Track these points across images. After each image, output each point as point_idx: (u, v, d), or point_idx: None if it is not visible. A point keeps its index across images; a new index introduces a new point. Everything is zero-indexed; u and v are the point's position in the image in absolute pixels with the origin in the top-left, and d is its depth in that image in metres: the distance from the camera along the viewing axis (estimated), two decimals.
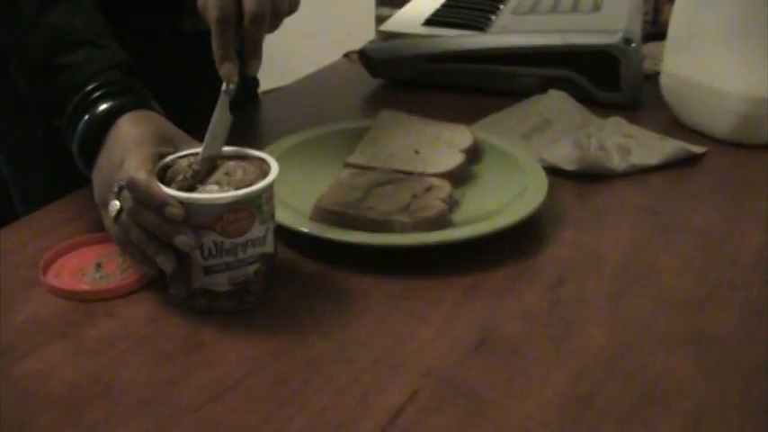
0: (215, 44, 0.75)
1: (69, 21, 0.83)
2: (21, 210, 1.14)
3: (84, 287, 0.75)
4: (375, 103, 1.21)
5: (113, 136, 0.76)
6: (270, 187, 0.70)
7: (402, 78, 1.26)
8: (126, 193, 0.70)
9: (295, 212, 0.82)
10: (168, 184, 0.70)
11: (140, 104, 0.79)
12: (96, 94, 0.78)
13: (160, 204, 0.68)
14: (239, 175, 0.71)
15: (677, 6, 1.11)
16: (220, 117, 0.74)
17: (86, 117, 0.78)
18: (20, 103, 1.08)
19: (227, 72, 0.75)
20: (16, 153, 1.15)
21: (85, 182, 0.92)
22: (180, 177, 0.71)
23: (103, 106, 0.78)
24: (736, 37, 1.03)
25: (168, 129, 0.78)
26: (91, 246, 0.81)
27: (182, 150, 0.74)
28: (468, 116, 1.08)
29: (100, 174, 0.77)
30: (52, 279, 0.76)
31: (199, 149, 0.73)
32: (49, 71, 0.81)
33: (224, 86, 0.75)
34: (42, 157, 1.11)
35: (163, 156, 0.73)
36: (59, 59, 0.81)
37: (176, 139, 0.76)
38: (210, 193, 0.69)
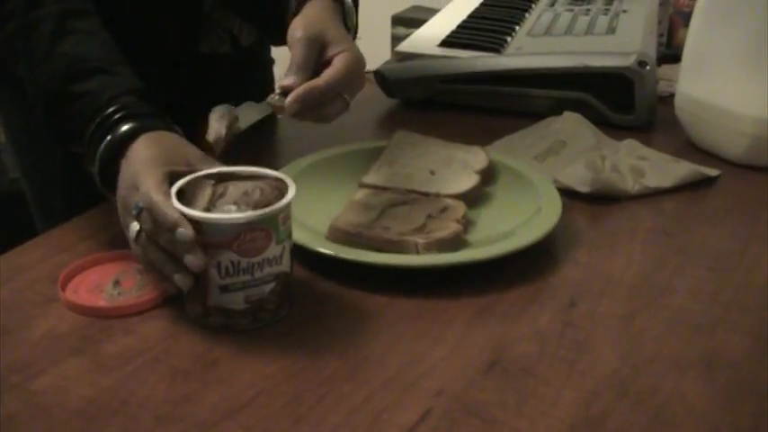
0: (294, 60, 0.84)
1: (82, 49, 0.84)
2: (40, 226, 1.15)
3: (102, 303, 0.76)
4: (390, 123, 1.22)
5: (127, 158, 0.77)
6: (287, 207, 0.71)
7: (417, 99, 1.27)
8: (145, 215, 0.72)
9: (311, 232, 0.83)
10: (188, 204, 0.70)
11: (157, 126, 0.80)
12: (116, 116, 0.79)
13: (172, 225, 0.69)
14: (257, 195, 0.72)
15: (692, 29, 1.12)
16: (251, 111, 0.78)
17: (107, 138, 0.79)
18: (39, 120, 1.10)
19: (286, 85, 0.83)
20: (35, 170, 1.16)
21: (104, 199, 0.93)
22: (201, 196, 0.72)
23: (123, 128, 0.79)
24: (750, 60, 1.04)
25: (183, 148, 0.79)
26: (109, 262, 0.83)
27: (197, 170, 0.75)
28: (482, 137, 1.08)
29: (119, 196, 0.78)
30: (70, 295, 0.77)
31: (215, 169, 0.75)
32: (65, 100, 0.82)
33: (272, 96, 0.81)
34: (61, 174, 1.13)
35: (175, 175, 0.74)
36: (74, 88, 0.82)
37: (191, 159, 0.77)
38: (228, 213, 0.70)
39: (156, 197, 0.71)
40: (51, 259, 0.84)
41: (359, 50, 0.90)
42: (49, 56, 0.84)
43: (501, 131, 1.12)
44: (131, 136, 0.78)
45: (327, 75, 0.86)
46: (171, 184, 0.73)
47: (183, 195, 0.72)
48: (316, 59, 0.87)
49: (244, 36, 1.17)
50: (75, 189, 1.10)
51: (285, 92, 0.85)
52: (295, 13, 0.92)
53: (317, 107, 0.86)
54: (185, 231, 0.69)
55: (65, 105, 0.83)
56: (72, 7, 0.86)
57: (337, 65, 0.86)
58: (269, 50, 1.29)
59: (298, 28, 0.88)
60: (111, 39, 0.87)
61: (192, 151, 0.79)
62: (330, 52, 0.88)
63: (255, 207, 0.70)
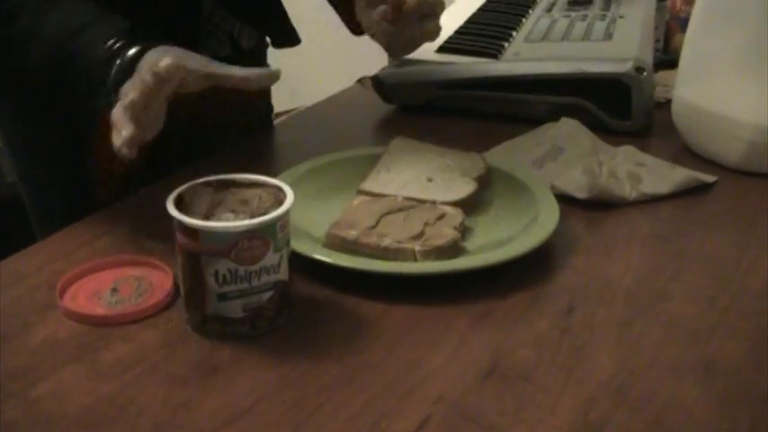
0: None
1: (66, 15, 0.86)
2: (38, 230, 1.15)
3: (100, 311, 0.76)
4: (388, 129, 1.22)
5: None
6: (285, 216, 0.71)
7: (415, 104, 1.27)
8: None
9: (308, 238, 0.84)
10: (186, 211, 0.71)
11: (161, 42, 0.83)
12: (118, 45, 0.82)
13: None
14: (255, 202, 0.72)
15: (689, 35, 1.12)
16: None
17: (116, 63, 0.81)
18: (37, 125, 1.11)
19: None
20: (34, 175, 1.16)
21: (102, 205, 0.94)
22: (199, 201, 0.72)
23: (130, 51, 0.82)
24: (747, 66, 1.04)
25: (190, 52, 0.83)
26: (107, 270, 0.83)
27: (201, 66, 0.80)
28: (480, 143, 1.09)
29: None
30: (69, 302, 0.77)
31: (214, 177, 0.75)
32: (66, 61, 0.84)
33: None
34: (60, 179, 1.13)
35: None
36: (70, 48, 0.84)
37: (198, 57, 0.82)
38: (226, 221, 0.70)
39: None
40: (50, 266, 0.84)
41: None
42: (35, 35, 0.86)
43: (498, 137, 1.12)
44: (141, 52, 0.81)
45: None
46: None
47: (181, 202, 0.72)
48: None
49: (244, 39, 1.18)
50: (74, 195, 1.11)
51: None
52: None
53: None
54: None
55: (67, 66, 0.84)
56: None
57: None
58: (266, 54, 1.29)
59: None
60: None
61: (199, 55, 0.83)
62: None
63: (253, 215, 0.71)
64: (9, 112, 1.13)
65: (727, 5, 1.06)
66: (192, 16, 1.10)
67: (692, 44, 1.12)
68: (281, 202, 0.72)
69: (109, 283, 0.80)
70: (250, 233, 0.69)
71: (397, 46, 1.03)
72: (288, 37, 1.21)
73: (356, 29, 1.15)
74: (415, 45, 1.04)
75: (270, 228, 0.70)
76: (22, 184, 1.18)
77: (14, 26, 0.86)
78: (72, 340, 0.73)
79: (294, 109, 1.06)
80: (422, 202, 0.90)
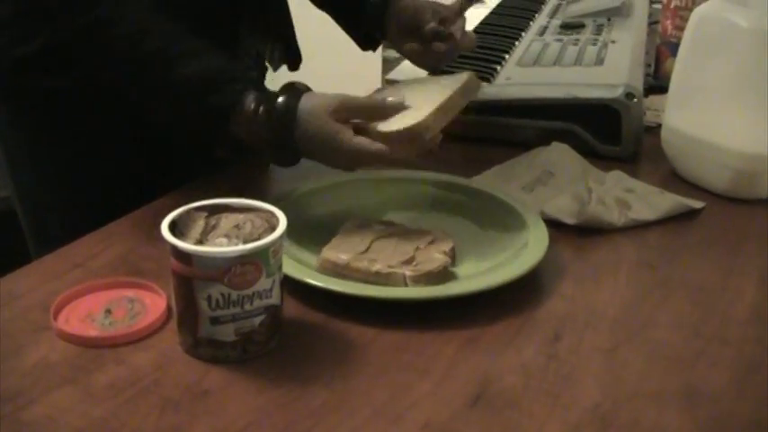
0: None
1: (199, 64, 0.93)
2: (33, 250, 1.15)
3: (93, 333, 0.77)
4: None
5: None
6: (278, 241, 0.72)
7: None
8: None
9: (300, 262, 0.84)
10: (180, 236, 0.72)
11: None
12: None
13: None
14: (248, 228, 0.73)
15: (678, 63, 1.14)
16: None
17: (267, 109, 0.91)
18: (33, 143, 1.11)
19: None
20: (29, 194, 1.17)
21: (97, 225, 0.95)
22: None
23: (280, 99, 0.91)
24: (736, 95, 1.06)
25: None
26: (100, 291, 0.83)
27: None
28: (471, 166, 1.10)
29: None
30: (62, 324, 0.78)
31: (208, 201, 0.76)
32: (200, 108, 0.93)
33: None
34: (56, 198, 1.13)
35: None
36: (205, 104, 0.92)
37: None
38: (219, 247, 0.71)
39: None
40: (44, 287, 0.85)
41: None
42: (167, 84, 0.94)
43: (489, 161, 1.13)
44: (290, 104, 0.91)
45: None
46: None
47: (175, 227, 0.73)
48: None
49: (275, 61, 1.22)
50: (69, 214, 1.11)
51: None
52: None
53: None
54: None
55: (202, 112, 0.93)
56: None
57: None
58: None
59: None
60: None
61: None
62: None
63: (246, 240, 0.72)
64: (12, 128, 1.13)
65: (717, 35, 1.07)
66: (228, 43, 1.11)
67: (681, 72, 1.13)
68: (273, 228, 0.73)
69: (103, 304, 0.81)
70: (243, 258, 0.70)
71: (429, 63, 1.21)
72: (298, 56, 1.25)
73: (365, 45, 1.24)
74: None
75: (263, 253, 0.71)
76: (19, 202, 1.18)
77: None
78: (65, 362, 0.74)
79: None
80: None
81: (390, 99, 0.94)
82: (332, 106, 0.90)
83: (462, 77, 1.03)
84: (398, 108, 0.93)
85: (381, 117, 0.93)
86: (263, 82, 0.95)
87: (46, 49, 1.00)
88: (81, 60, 0.98)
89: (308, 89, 0.94)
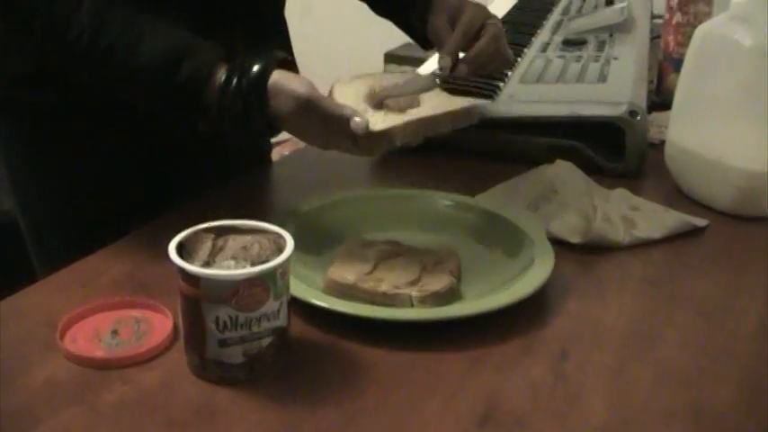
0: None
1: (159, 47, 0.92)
2: (39, 269, 1.15)
3: (100, 354, 0.77)
4: (384, 168, 1.23)
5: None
6: (285, 263, 0.72)
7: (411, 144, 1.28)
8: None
9: (306, 282, 0.84)
10: (188, 258, 0.72)
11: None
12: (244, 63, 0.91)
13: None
14: (255, 250, 0.73)
15: (682, 80, 1.14)
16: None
17: (243, 81, 0.89)
18: (33, 158, 1.12)
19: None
20: (31, 208, 1.17)
21: (97, 240, 0.95)
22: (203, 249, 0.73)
23: (255, 68, 0.90)
24: (739, 112, 1.06)
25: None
26: (107, 311, 0.83)
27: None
28: (475, 183, 1.10)
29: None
30: (69, 344, 0.78)
31: (216, 223, 0.76)
32: (175, 91, 0.92)
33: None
34: (60, 217, 1.14)
35: None
36: (175, 80, 0.90)
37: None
38: (227, 269, 0.71)
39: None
40: (51, 305, 0.85)
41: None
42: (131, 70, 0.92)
43: (494, 178, 1.14)
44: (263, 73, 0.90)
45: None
46: None
47: (183, 249, 0.73)
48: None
49: None
50: (74, 232, 1.12)
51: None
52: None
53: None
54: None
55: (177, 94, 0.92)
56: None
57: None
58: None
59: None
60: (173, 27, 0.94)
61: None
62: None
63: (254, 262, 0.72)
64: (14, 143, 1.14)
65: (720, 52, 1.08)
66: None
67: (685, 90, 1.14)
68: (281, 249, 0.73)
69: (109, 324, 0.81)
70: (251, 281, 0.70)
71: None
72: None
73: (426, 44, 1.25)
74: None
75: (270, 275, 0.71)
76: (21, 216, 1.18)
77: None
78: (72, 382, 0.74)
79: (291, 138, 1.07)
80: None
81: (357, 119, 0.88)
82: (300, 99, 0.89)
83: (463, 103, 1.01)
84: (359, 129, 0.88)
85: (337, 129, 0.90)
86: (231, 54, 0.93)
87: (40, 64, 1.01)
88: (68, 72, 0.99)
89: (282, 63, 0.93)
